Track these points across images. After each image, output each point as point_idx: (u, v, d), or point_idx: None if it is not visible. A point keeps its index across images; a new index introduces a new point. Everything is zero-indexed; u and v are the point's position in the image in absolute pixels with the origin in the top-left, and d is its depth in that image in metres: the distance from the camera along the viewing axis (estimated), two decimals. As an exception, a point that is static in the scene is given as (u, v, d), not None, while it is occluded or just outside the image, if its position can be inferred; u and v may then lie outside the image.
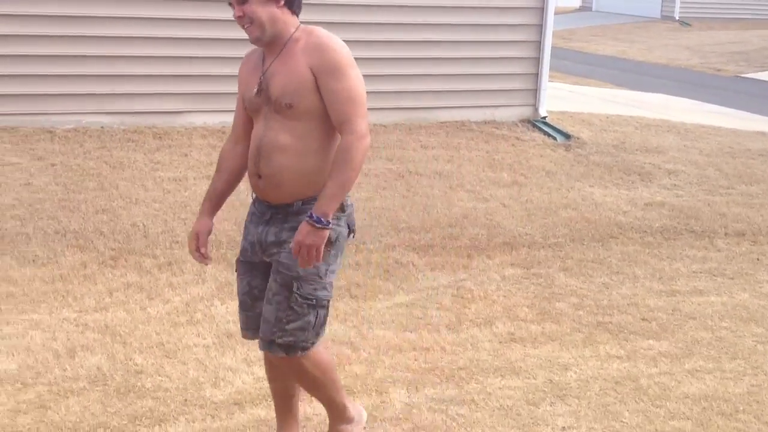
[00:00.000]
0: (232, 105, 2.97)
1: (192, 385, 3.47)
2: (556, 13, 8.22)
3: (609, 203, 6.40)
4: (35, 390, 3.37)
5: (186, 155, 6.40)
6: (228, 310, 4.17)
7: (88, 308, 4.13)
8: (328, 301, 2.74)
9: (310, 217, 2.57)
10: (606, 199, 6.48)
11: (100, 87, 6.74)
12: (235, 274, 2.89)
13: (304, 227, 2.57)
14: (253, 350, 3.81)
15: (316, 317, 2.70)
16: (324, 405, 3.00)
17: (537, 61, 8.08)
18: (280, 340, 2.68)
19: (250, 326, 2.87)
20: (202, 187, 5.49)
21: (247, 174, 2.82)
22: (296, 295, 2.65)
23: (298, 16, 2.68)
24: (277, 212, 2.70)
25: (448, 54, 7.81)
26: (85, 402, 3.31)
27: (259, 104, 2.68)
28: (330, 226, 2.59)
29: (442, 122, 7.78)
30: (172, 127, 6.88)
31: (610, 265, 5.26)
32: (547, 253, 5.38)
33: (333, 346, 3.93)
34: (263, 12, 2.59)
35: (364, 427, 3.10)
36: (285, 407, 3.00)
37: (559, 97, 9.60)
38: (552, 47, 8.20)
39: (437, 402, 3.48)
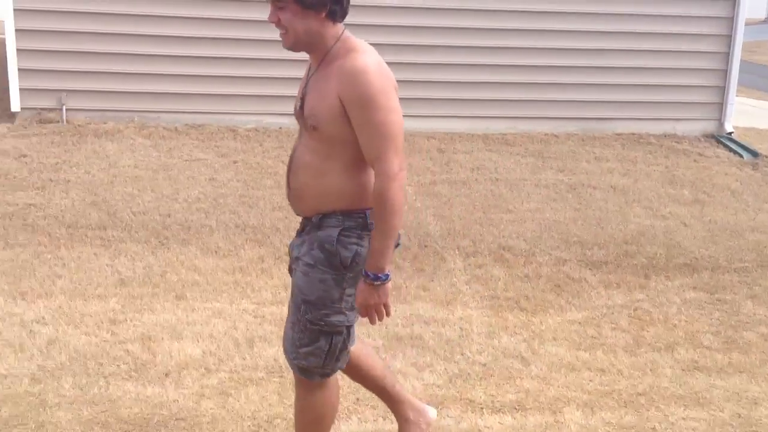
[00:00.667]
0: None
1: (363, 385, 3.49)
2: (743, 24, 7.69)
3: (803, 228, 5.89)
4: (218, 376, 3.51)
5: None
6: (396, 313, 4.18)
7: (265, 301, 4.28)
8: (347, 327, 2.55)
9: (366, 276, 2.44)
10: (800, 224, 5.97)
11: (281, 89, 7.01)
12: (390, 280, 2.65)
13: (364, 288, 2.45)
14: (422, 355, 3.80)
15: (330, 344, 2.52)
16: None
17: (724, 73, 7.62)
18: (295, 362, 2.56)
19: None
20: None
21: None
22: (305, 319, 2.51)
23: (342, 23, 2.49)
24: (306, 224, 2.63)
25: (627, 63, 7.51)
26: (263, 392, 3.41)
27: (297, 117, 2.59)
28: (389, 278, 2.45)
29: (618, 134, 7.48)
30: (345, 130, 7.03)
31: (805, 295, 4.83)
32: (733, 278, 5.01)
33: (502, 359, 3.84)
34: (301, 24, 2.41)
35: None
36: (386, 396, 2.91)
37: (745, 113, 8.99)
38: (738, 59, 7.69)
39: (615, 427, 3.31)
